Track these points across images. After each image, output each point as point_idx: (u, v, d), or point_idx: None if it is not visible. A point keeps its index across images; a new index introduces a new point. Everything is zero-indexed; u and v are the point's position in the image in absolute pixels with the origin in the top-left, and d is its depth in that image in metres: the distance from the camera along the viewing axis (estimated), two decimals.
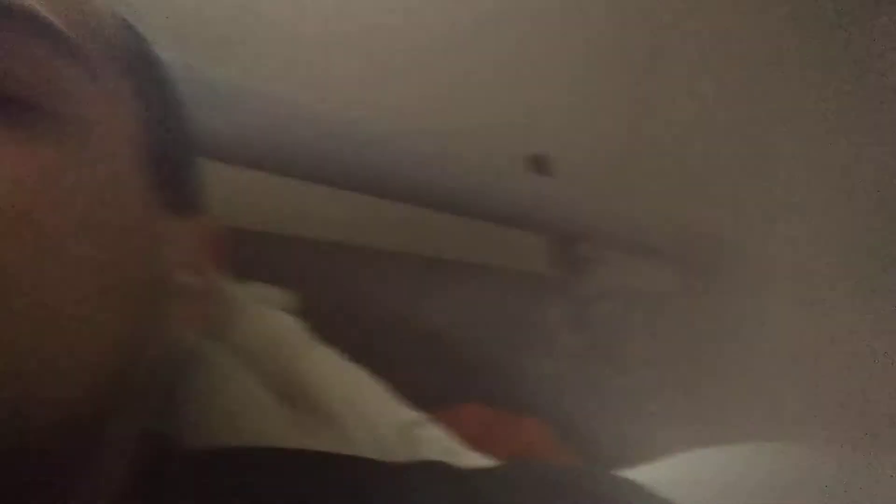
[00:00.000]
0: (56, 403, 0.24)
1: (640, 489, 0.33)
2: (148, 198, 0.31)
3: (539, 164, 1.17)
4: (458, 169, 0.97)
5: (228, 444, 0.40)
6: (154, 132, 0.32)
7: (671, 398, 1.02)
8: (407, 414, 0.49)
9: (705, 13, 1.47)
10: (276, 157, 0.74)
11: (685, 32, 1.48)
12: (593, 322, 1.03)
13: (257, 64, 0.82)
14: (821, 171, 1.36)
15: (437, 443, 0.47)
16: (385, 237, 0.94)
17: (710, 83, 1.44)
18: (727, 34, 1.44)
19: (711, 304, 1.27)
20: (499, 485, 0.32)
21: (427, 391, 0.56)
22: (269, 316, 0.51)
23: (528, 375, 0.91)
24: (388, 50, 1.03)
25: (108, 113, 0.29)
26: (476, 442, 0.50)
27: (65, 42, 0.27)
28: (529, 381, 0.91)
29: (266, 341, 0.48)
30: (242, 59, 0.81)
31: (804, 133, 1.36)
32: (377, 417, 0.47)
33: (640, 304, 1.13)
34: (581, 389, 0.93)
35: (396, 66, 1.03)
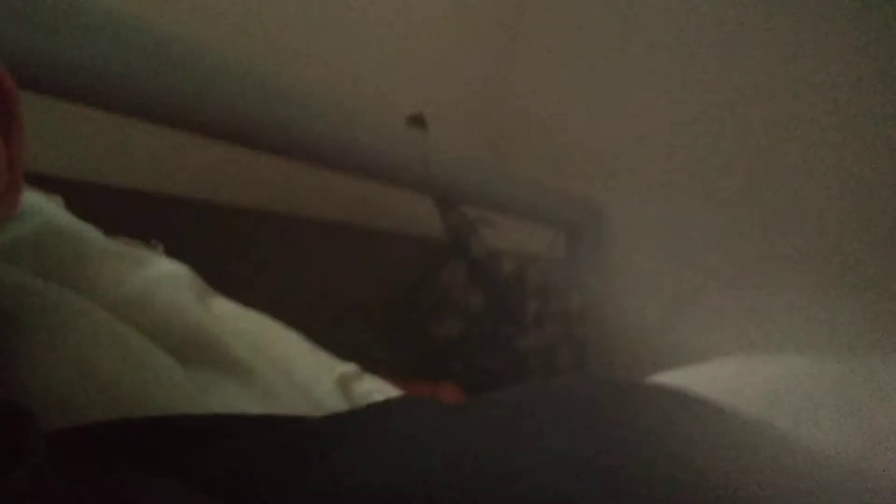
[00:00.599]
0: None
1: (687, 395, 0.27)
2: None
3: (418, 124, 1.11)
4: (343, 124, 0.88)
5: (111, 417, 0.29)
6: None
7: (569, 353, 1.01)
8: (340, 365, 0.40)
9: None
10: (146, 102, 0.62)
11: None
12: (488, 282, 0.99)
13: None
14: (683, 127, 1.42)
15: (382, 397, 0.39)
16: (272, 197, 0.86)
17: (583, 39, 1.45)
18: None
19: (595, 264, 1.28)
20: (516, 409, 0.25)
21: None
22: (152, 262, 0.39)
23: (435, 338, 0.85)
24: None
25: None
26: None
27: None
28: (436, 344, 0.84)
29: (149, 289, 0.37)
30: None
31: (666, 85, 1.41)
32: (305, 369, 0.37)
33: (531, 265, 1.11)
34: (487, 349, 0.89)
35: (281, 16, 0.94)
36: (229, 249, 0.80)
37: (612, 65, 1.44)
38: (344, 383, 0.39)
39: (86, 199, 0.46)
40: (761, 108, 1.35)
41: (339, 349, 0.50)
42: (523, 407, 0.28)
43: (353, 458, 0.24)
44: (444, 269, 0.98)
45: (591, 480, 0.22)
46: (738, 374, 0.40)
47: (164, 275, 0.39)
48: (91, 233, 0.41)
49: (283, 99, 0.79)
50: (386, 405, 0.29)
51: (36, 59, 0.50)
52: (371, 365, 0.68)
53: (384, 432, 0.25)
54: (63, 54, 0.52)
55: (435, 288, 0.96)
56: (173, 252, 0.51)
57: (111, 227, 0.46)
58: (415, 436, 0.25)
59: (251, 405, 0.34)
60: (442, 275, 0.97)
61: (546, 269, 1.13)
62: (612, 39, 1.44)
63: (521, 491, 0.21)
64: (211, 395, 0.34)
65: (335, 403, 0.36)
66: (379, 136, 0.95)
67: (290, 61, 0.96)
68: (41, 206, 0.39)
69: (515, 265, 1.08)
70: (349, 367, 0.40)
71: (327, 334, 0.49)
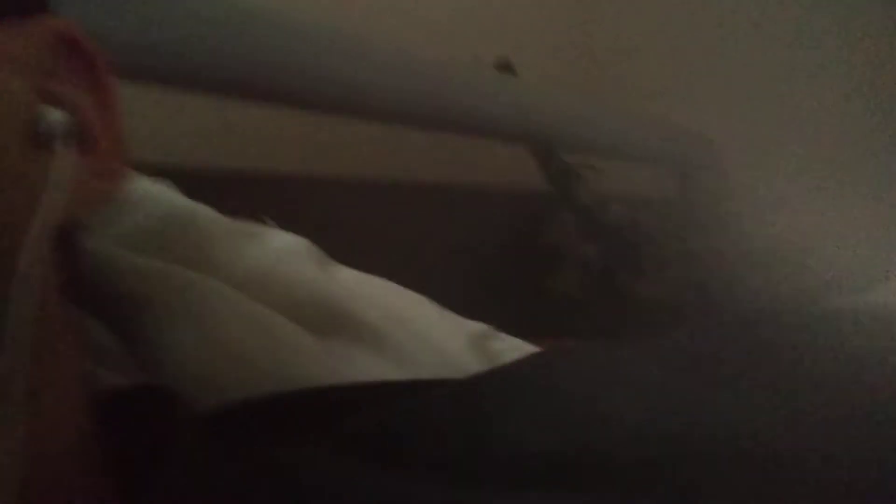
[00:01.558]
0: None
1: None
2: None
3: (505, 68, 1.07)
4: (430, 79, 0.85)
5: (250, 395, 0.28)
6: None
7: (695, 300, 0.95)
8: (472, 324, 0.38)
9: None
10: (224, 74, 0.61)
11: None
12: (601, 231, 0.94)
13: None
14: (808, 73, 1.30)
15: (521, 355, 0.36)
16: (366, 165, 0.85)
17: None
18: None
19: (713, 203, 1.20)
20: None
21: None
22: (269, 236, 0.38)
23: (551, 294, 0.82)
24: None
25: None
26: None
27: None
28: (553, 299, 0.81)
29: (272, 262, 0.36)
30: None
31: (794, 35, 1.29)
32: (437, 331, 0.35)
33: (641, 209, 1.05)
34: (607, 301, 0.85)
35: None
36: (332, 220, 0.79)
37: None
38: (478, 342, 0.36)
39: (191, 183, 0.45)
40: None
41: (452, 310, 0.48)
42: (703, 350, 0.25)
43: (506, 418, 0.21)
44: (552, 221, 0.95)
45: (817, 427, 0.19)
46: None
47: (284, 247, 0.38)
48: (208, 212, 0.41)
49: (367, 59, 0.77)
50: (533, 360, 0.26)
51: (123, 43, 0.50)
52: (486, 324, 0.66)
53: (535, 389, 0.23)
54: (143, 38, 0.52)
55: (545, 241, 0.93)
56: (282, 228, 0.50)
57: (220, 209, 0.46)
58: (568, 390, 0.22)
59: (386, 371, 0.32)
60: (551, 227, 0.94)
61: (661, 211, 1.06)
62: None
63: (746, 448, 0.18)
64: (345, 364, 0.33)
65: (472, 363, 0.34)
66: (468, 87, 0.91)
67: (369, 16, 0.94)
68: (156, 192, 0.39)
69: (627, 210, 1.02)
70: (481, 326, 0.38)
71: (437, 298, 0.47)
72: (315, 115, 0.76)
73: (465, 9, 1.11)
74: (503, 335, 0.38)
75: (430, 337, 0.35)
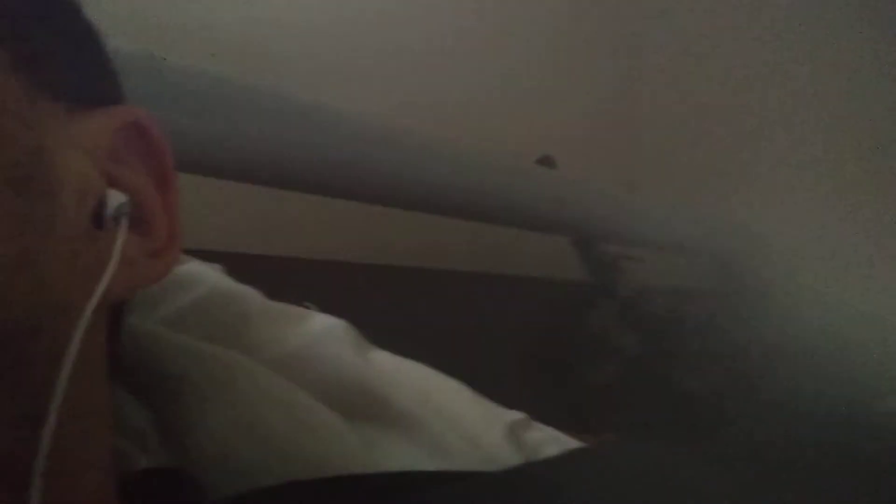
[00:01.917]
0: None
1: None
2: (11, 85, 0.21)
3: (547, 164, 1.09)
4: (474, 172, 0.88)
5: (276, 482, 0.28)
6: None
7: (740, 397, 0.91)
8: (509, 413, 0.37)
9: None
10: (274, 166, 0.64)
11: (670, 19, 1.44)
12: (643, 321, 0.93)
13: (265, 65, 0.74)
14: (844, 151, 1.30)
15: (558, 447, 0.35)
16: (414, 254, 0.87)
17: (714, 67, 1.38)
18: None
19: (759, 295, 1.18)
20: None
21: None
22: (310, 319, 0.39)
23: (591, 385, 0.80)
24: (400, 52, 0.97)
25: None
26: None
27: None
28: (592, 391, 0.79)
29: (310, 345, 0.37)
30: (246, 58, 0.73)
31: (822, 113, 1.30)
32: (473, 419, 0.35)
33: (684, 301, 1.03)
34: (647, 395, 0.82)
35: (407, 69, 0.97)
36: (376, 307, 0.80)
37: (734, 81, 1.35)
38: (514, 432, 0.36)
39: (241, 268, 0.47)
40: None
41: (491, 401, 0.47)
42: (745, 453, 0.24)
43: None
44: (593, 312, 0.94)
45: None
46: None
47: (323, 330, 0.39)
48: (252, 295, 0.42)
49: (412, 150, 0.79)
50: (571, 455, 0.26)
51: (185, 137, 0.53)
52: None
53: (577, 485, 0.22)
54: (208, 132, 0.55)
55: (585, 331, 0.92)
56: (326, 312, 0.51)
57: (267, 294, 0.47)
58: (616, 486, 0.21)
59: (420, 459, 0.32)
60: (591, 317, 0.92)
61: (704, 303, 1.04)
62: (729, 56, 1.36)
63: None
64: (378, 451, 0.32)
65: (507, 454, 0.33)
66: (511, 180, 0.93)
67: (416, 116, 0.98)
68: (205, 274, 0.40)
69: (670, 301, 1.01)
70: (518, 416, 0.37)
71: (476, 387, 0.47)
72: (365, 205, 0.79)
73: (509, 108, 1.16)
74: (540, 425, 0.37)
75: (465, 425, 0.34)
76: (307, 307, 0.49)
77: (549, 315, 0.93)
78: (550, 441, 0.36)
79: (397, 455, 0.32)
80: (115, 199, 0.24)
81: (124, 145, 0.25)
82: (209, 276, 0.40)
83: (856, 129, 1.27)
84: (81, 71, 0.25)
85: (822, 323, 1.05)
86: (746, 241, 1.25)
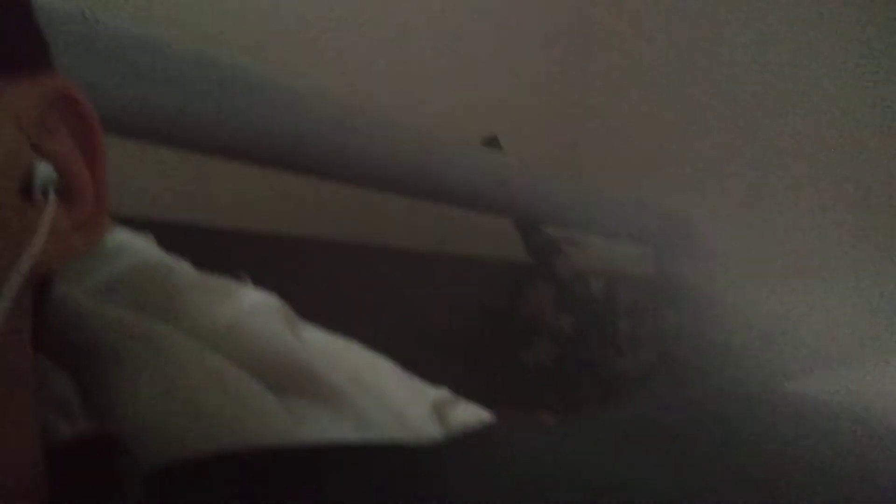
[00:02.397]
0: None
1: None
2: None
3: (492, 145, 1.10)
4: (418, 150, 0.88)
5: (206, 450, 0.29)
6: None
7: (668, 377, 0.95)
8: (434, 391, 0.38)
9: None
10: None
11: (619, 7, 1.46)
12: (578, 304, 0.96)
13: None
14: (779, 148, 1.35)
15: (481, 423, 0.37)
16: (351, 228, 0.87)
17: (662, 53, 1.41)
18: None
19: (688, 279, 1.22)
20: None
21: None
22: (241, 293, 0.39)
23: (526, 365, 0.82)
24: (349, 28, 0.96)
25: None
26: None
27: None
28: (528, 371, 0.82)
29: (240, 319, 0.37)
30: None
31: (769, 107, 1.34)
32: (399, 396, 0.36)
33: (621, 285, 1.06)
34: (582, 375, 0.85)
35: (356, 45, 0.96)
36: (311, 281, 0.80)
37: (685, 71, 1.39)
38: (439, 410, 0.37)
39: (171, 238, 0.46)
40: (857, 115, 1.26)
41: (426, 379, 0.48)
42: (637, 422, 0.25)
43: (464, 484, 0.22)
44: (530, 292, 0.96)
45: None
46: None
47: (253, 304, 0.39)
48: (182, 267, 0.41)
49: (357, 127, 0.79)
50: (491, 429, 0.27)
51: (119, 101, 0.52)
52: (460, 394, 0.66)
53: (492, 456, 0.23)
54: (140, 96, 0.53)
55: (522, 312, 0.94)
56: (258, 285, 0.51)
57: (197, 264, 0.46)
58: (525, 458, 0.23)
59: (345, 433, 0.32)
60: (529, 298, 0.95)
61: (637, 287, 1.08)
62: (678, 41, 1.39)
63: None
64: (305, 424, 0.33)
65: (431, 430, 0.34)
66: (455, 159, 0.94)
67: (361, 89, 0.97)
68: (133, 244, 0.40)
69: (605, 284, 1.04)
70: (443, 393, 0.38)
71: (412, 364, 0.48)
72: (299, 177, 0.78)
73: (457, 87, 1.16)
74: (465, 403, 0.39)
75: (392, 401, 0.35)
76: (241, 280, 0.48)
77: (488, 294, 0.95)
78: (472, 417, 0.37)
79: (325, 428, 0.32)
80: (44, 170, 0.24)
81: (52, 115, 0.25)
82: (138, 246, 0.39)
83: (789, 122, 1.32)
84: (6, 37, 0.25)
85: (748, 307, 1.10)
86: (681, 228, 1.29)
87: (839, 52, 1.28)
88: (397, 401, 0.35)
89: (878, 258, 1.18)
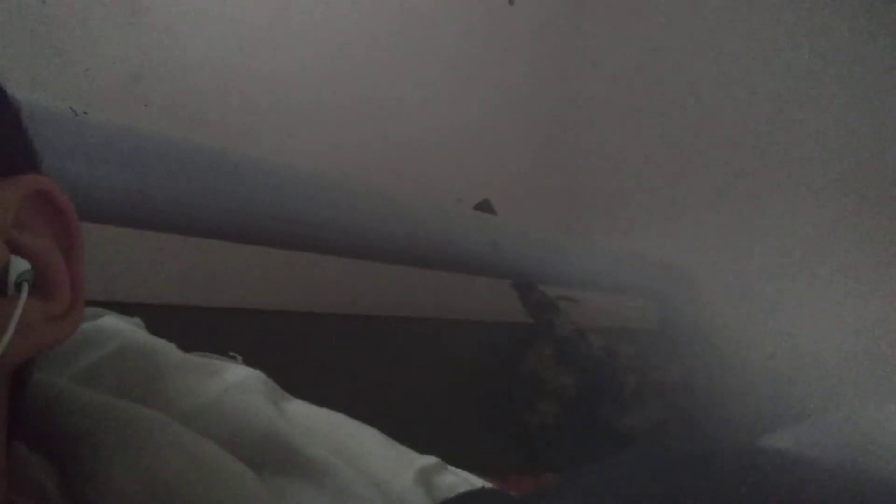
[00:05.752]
0: None
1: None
2: None
3: (486, 209, 1.12)
4: (411, 219, 0.89)
5: None
6: None
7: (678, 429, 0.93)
8: (421, 458, 0.38)
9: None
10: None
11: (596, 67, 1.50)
12: (579, 361, 0.95)
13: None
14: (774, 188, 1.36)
15: (466, 488, 0.36)
16: (351, 300, 0.87)
17: (649, 112, 1.44)
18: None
19: (691, 332, 1.21)
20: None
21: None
22: (225, 371, 0.39)
23: (530, 426, 0.81)
24: (340, 99, 0.99)
25: None
26: None
27: None
28: (532, 432, 0.80)
29: (221, 397, 0.37)
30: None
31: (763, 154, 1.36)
32: (384, 466, 0.35)
33: (623, 340, 1.06)
34: (587, 434, 0.84)
35: (347, 115, 0.99)
36: (314, 354, 0.80)
37: (674, 122, 1.42)
38: (425, 477, 0.36)
39: (165, 321, 0.47)
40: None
41: (431, 445, 0.48)
42: (592, 491, 0.25)
43: None
44: (530, 352, 0.95)
45: None
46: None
47: (236, 381, 0.39)
48: (167, 349, 0.42)
49: (351, 199, 0.81)
50: (459, 500, 0.26)
51: (113, 190, 0.54)
52: (465, 459, 0.65)
53: None
54: (126, 185, 0.55)
55: (524, 373, 0.93)
56: (255, 363, 0.51)
57: (191, 345, 0.47)
58: None
59: None
60: (528, 358, 0.94)
61: (639, 341, 1.07)
62: (665, 102, 1.43)
63: None
64: (285, 499, 0.32)
65: (415, 499, 0.34)
66: (446, 225, 0.95)
67: (350, 160, 0.99)
68: (119, 328, 0.40)
69: (606, 340, 1.03)
70: (430, 460, 0.38)
71: (416, 431, 0.47)
72: (294, 253, 0.79)
73: (448, 154, 1.18)
74: (454, 469, 0.38)
75: (374, 471, 0.35)
76: (232, 357, 0.49)
77: (487, 357, 0.95)
78: (462, 485, 0.36)
79: (304, 503, 0.32)
80: (19, 265, 0.24)
81: (30, 212, 0.26)
82: (122, 330, 0.40)
83: (785, 167, 1.33)
84: None
85: (750, 357, 1.09)
86: (680, 283, 1.29)
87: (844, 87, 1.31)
88: (381, 470, 0.35)
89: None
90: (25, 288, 0.24)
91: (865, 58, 1.28)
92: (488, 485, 0.38)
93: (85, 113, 0.52)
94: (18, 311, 0.24)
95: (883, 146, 1.27)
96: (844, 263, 1.20)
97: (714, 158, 1.40)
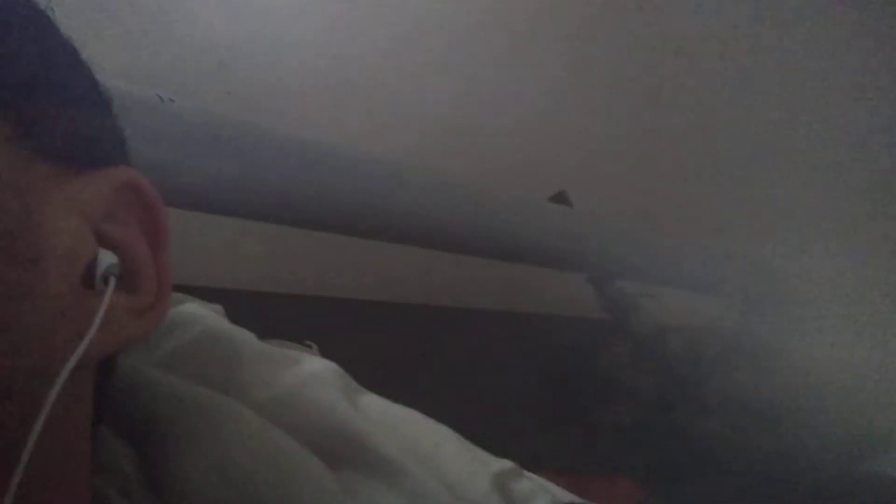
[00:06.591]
0: None
1: None
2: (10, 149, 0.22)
3: (563, 201, 1.09)
4: (488, 211, 0.88)
5: None
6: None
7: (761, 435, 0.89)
8: (496, 462, 0.36)
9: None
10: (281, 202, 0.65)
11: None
12: (657, 361, 0.91)
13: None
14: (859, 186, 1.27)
15: (547, 498, 0.34)
16: (428, 291, 0.87)
17: (731, 101, 1.37)
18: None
19: (778, 330, 1.15)
20: None
21: (499, 453, 0.45)
22: (302, 362, 0.39)
23: (604, 427, 0.79)
24: (418, 88, 0.99)
25: None
26: None
27: None
28: (606, 433, 0.78)
29: (297, 389, 0.36)
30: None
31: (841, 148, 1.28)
32: (459, 469, 0.34)
33: (705, 340, 1.01)
34: (665, 436, 0.80)
35: (425, 105, 0.99)
36: (389, 345, 0.80)
37: (754, 115, 1.34)
38: (501, 482, 0.35)
39: (246, 306, 0.47)
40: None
41: (501, 443, 0.46)
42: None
43: None
44: (606, 350, 0.92)
45: None
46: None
47: (312, 373, 0.39)
48: (245, 336, 0.42)
49: (426, 189, 0.80)
50: None
51: (199, 177, 0.55)
52: (536, 460, 0.63)
53: None
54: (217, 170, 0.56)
55: (599, 370, 0.90)
56: (331, 352, 0.51)
57: (272, 332, 0.47)
58: None
59: None
60: (605, 355, 0.91)
61: (722, 341, 1.02)
62: (747, 89, 1.35)
63: None
64: (359, 499, 0.32)
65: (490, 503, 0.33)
66: (526, 218, 0.93)
67: (433, 153, 0.99)
68: (199, 315, 0.41)
69: (686, 339, 0.99)
70: (506, 464, 0.37)
71: (487, 428, 0.46)
72: (372, 243, 0.79)
73: (526, 144, 1.16)
74: (530, 475, 0.37)
75: (450, 473, 0.34)
76: (308, 346, 0.49)
77: (563, 353, 0.92)
78: (539, 491, 0.35)
79: (378, 502, 0.31)
80: (106, 258, 0.25)
81: (119, 205, 0.26)
82: (204, 317, 0.40)
83: (870, 162, 1.25)
84: (82, 134, 0.26)
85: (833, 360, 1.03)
86: (765, 278, 1.23)
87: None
88: (456, 472, 0.34)
89: None
90: (112, 282, 0.24)
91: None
92: (572, 497, 0.36)
93: (172, 100, 0.53)
94: (105, 305, 0.24)
95: None
96: None
97: (804, 154, 1.32)
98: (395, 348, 0.82)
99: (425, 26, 1.04)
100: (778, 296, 1.24)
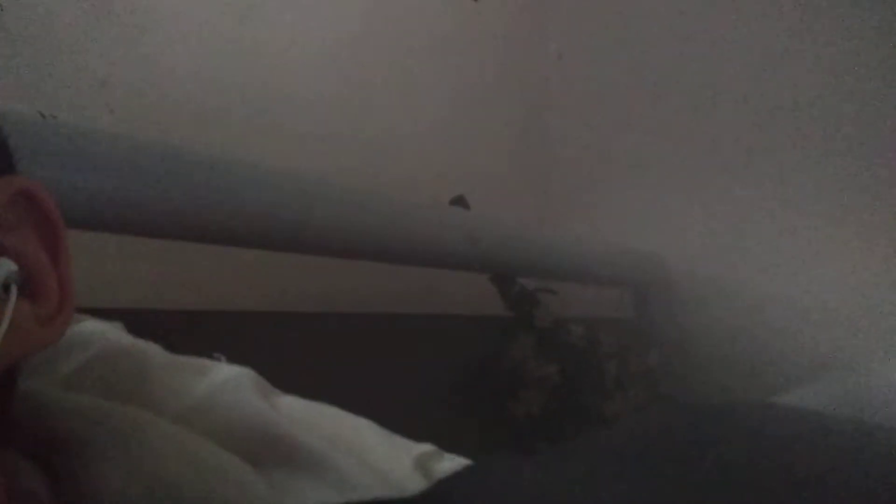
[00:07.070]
0: None
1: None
2: None
3: (460, 205, 1.12)
4: (389, 217, 0.89)
5: None
6: None
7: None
8: (417, 446, 0.38)
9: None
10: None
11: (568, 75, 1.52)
12: (561, 351, 0.96)
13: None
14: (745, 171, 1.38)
15: None
16: (333, 299, 0.87)
17: (618, 103, 1.46)
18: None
19: (667, 319, 1.23)
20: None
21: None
22: (214, 370, 0.39)
23: (515, 417, 0.82)
24: (316, 94, 0.98)
25: None
26: None
27: None
28: (518, 422, 0.81)
29: (212, 394, 0.36)
30: None
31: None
32: (381, 454, 0.35)
33: (602, 329, 1.07)
34: (572, 421, 0.84)
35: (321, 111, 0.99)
36: (296, 354, 0.80)
37: (644, 114, 1.44)
38: (423, 464, 0.36)
39: (143, 325, 0.46)
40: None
41: (419, 437, 0.48)
42: (601, 451, 0.26)
43: None
44: (512, 344, 0.96)
45: None
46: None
47: (225, 379, 0.39)
48: (151, 349, 0.41)
49: (327, 198, 0.80)
50: (469, 471, 0.27)
51: (81, 195, 0.53)
52: (453, 450, 0.65)
53: (474, 496, 0.23)
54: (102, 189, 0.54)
55: (507, 364, 0.93)
56: (238, 364, 0.50)
57: (171, 349, 0.46)
58: (506, 493, 0.23)
59: (328, 498, 0.32)
60: (511, 349, 0.95)
61: (618, 330, 1.08)
62: (632, 92, 1.45)
63: None
64: (288, 494, 0.32)
65: (415, 485, 0.34)
66: (424, 222, 0.95)
67: (330, 159, 0.99)
68: (98, 330, 0.40)
69: (586, 330, 1.04)
70: (426, 447, 0.38)
71: (404, 427, 0.47)
72: (273, 254, 0.78)
73: (422, 151, 1.19)
74: (451, 455, 0.38)
75: (373, 460, 0.35)
76: (217, 359, 0.48)
77: (470, 350, 0.95)
78: (458, 468, 0.36)
79: (307, 496, 0.32)
80: (5, 265, 0.24)
81: (14, 214, 0.25)
82: (103, 332, 0.39)
83: (749, 164, 1.36)
84: None
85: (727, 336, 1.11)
86: (655, 269, 1.31)
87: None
88: (379, 459, 0.35)
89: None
90: (14, 289, 0.24)
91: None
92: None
93: (54, 117, 0.51)
94: (9, 312, 0.23)
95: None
96: (833, 218, 1.22)
97: (695, 147, 1.41)
98: (301, 358, 0.81)
99: (319, 40, 1.04)
100: (666, 287, 1.33)
